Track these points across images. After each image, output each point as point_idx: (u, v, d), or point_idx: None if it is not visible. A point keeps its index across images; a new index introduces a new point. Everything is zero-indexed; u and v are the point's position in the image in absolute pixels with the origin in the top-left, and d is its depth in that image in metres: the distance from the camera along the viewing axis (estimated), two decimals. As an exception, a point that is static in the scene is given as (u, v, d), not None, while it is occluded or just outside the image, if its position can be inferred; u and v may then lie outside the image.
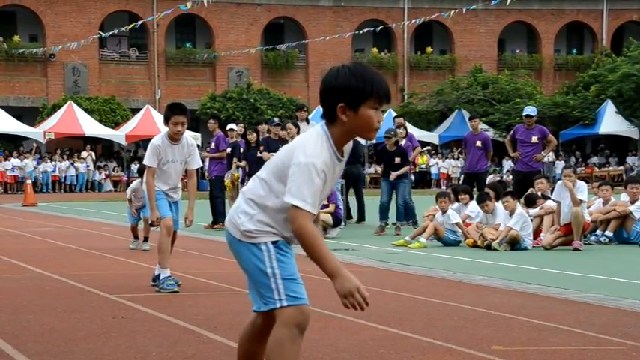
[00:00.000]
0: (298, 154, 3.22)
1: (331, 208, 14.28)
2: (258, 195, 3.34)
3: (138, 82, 46.65)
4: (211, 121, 17.46)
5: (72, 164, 40.13)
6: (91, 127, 40.27)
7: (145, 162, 7.84)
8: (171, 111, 7.67)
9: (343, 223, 15.45)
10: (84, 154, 41.09)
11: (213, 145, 16.64)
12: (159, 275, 7.71)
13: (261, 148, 15.38)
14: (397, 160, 14.67)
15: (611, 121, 42.86)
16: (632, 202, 12.94)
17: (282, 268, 3.30)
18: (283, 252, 3.34)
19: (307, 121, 17.01)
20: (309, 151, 3.22)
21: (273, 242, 3.33)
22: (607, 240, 12.77)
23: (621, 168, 43.25)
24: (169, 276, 7.60)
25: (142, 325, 6.09)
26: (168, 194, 7.78)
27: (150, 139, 7.99)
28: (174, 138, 7.61)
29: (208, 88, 45.87)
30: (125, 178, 40.55)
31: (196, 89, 46.18)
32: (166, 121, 7.68)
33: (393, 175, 14.61)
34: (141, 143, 44.22)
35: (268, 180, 3.33)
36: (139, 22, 36.07)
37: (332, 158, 3.28)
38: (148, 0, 45.72)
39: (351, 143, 3.43)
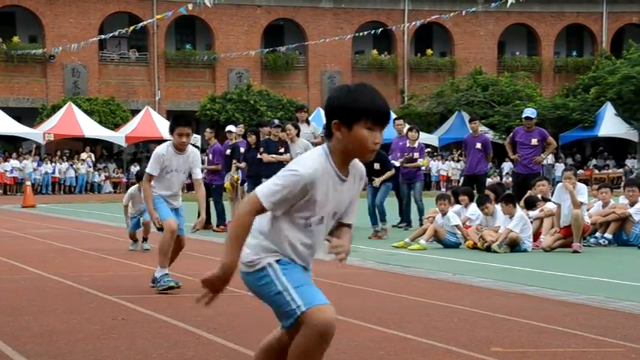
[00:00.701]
0: (296, 164, 3.30)
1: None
2: (259, 222, 3.37)
3: (138, 84, 46.65)
4: (208, 130, 17.51)
5: (71, 165, 40.15)
6: (91, 129, 40.26)
7: (147, 170, 7.92)
8: (176, 122, 7.88)
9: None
10: (83, 155, 41.08)
11: (211, 157, 16.66)
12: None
13: (261, 150, 15.41)
14: (376, 165, 14.62)
15: (610, 124, 42.91)
16: (632, 204, 12.97)
17: (291, 279, 3.32)
18: (287, 266, 3.35)
19: (307, 122, 17.03)
20: (301, 161, 3.30)
21: (277, 261, 3.35)
22: (606, 242, 12.79)
23: (620, 170, 43.28)
24: (166, 274, 7.65)
25: (142, 327, 6.10)
26: (168, 201, 7.85)
27: (149, 141, 8.10)
28: (179, 148, 7.77)
29: (208, 89, 45.89)
30: (125, 180, 40.57)
31: (196, 91, 46.20)
32: (171, 132, 7.82)
33: (377, 181, 14.58)
34: (140, 145, 44.23)
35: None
36: (140, 25, 36.16)
37: (329, 174, 3.30)
38: (148, 1, 45.79)
39: (360, 166, 3.44)
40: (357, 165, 3.43)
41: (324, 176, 3.28)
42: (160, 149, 7.82)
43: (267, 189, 3.24)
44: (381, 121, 3.30)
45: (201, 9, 34.77)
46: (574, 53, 52.55)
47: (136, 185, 12.29)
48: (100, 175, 41.54)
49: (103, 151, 44.81)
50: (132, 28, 35.75)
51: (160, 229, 7.91)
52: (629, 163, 44.25)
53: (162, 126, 39.51)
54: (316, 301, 3.27)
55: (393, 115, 28.96)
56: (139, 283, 8.26)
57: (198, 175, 7.97)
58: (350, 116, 3.25)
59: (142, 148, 45.29)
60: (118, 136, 41.02)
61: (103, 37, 39.51)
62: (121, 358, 5.08)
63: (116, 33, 37.38)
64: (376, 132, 3.28)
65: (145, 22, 37.86)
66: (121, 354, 5.17)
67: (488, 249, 11.69)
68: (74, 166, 40.19)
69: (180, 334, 5.78)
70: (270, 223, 3.36)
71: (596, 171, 44.14)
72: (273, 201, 3.23)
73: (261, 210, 3.26)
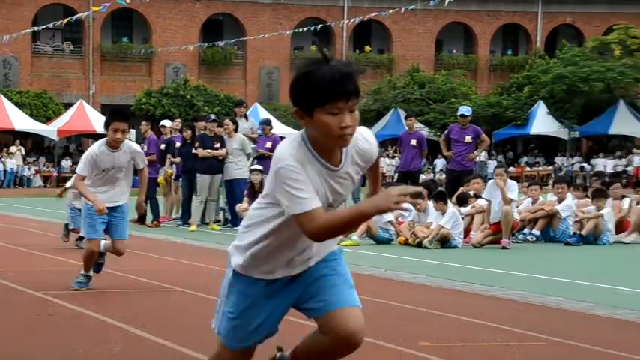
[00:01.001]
0: (272, 165, 2.93)
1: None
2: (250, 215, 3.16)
3: (72, 77, 45.96)
4: (144, 123, 17.42)
5: (0, 159, 39.36)
6: (22, 122, 39.46)
7: (77, 170, 7.54)
8: (112, 117, 7.35)
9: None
10: (13, 148, 40.24)
11: (146, 148, 16.48)
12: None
13: (196, 145, 15.33)
14: None
15: (542, 122, 43.69)
16: (559, 201, 13.25)
17: (229, 301, 3.17)
18: (236, 285, 3.16)
19: (246, 117, 16.97)
20: (277, 155, 2.91)
21: (234, 271, 3.15)
22: (534, 238, 13.06)
23: (550, 168, 44.07)
24: (84, 274, 7.50)
25: (69, 323, 6.00)
26: (104, 199, 7.39)
27: (82, 135, 7.88)
28: (113, 145, 7.27)
29: (144, 83, 45.40)
30: (55, 174, 40.02)
31: (132, 84, 45.68)
32: (106, 127, 7.31)
33: None
34: (73, 139, 43.49)
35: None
36: (75, 17, 35.48)
37: (310, 163, 2.91)
38: (82, -7, 45.19)
39: (359, 139, 3.01)
40: (356, 141, 2.99)
41: (305, 164, 2.88)
42: (92, 150, 7.39)
43: (296, 203, 2.84)
44: (343, 99, 2.83)
45: (139, 2, 34.30)
46: (509, 52, 53.34)
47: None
48: (29, 169, 40.76)
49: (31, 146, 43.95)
50: (67, 20, 34.97)
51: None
52: (559, 160, 45.13)
53: (95, 120, 38.89)
54: (232, 344, 3.20)
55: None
56: (66, 279, 8.10)
57: (141, 165, 7.54)
58: (307, 103, 2.85)
59: (75, 142, 44.63)
60: (49, 130, 40.19)
61: (36, 28, 38.63)
62: (45, 355, 4.99)
63: (50, 25, 36.55)
64: (342, 114, 2.83)
65: (80, 15, 37.01)
66: (45, 351, 5.08)
67: (420, 245, 11.83)
68: (2, 159, 39.39)
69: (108, 330, 5.70)
70: (255, 212, 3.08)
71: (527, 168, 44.90)
72: (313, 199, 2.85)
73: (321, 214, 2.85)
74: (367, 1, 48.35)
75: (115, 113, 7.44)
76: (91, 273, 7.56)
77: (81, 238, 11.45)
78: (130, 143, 7.63)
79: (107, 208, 7.29)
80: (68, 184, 12.19)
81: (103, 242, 7.61)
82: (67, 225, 11.99)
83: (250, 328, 3.16)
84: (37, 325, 5.93)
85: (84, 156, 7.43)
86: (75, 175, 7.60)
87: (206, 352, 4.87)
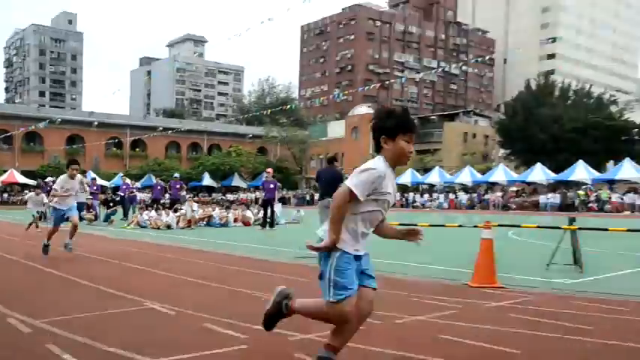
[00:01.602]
0: (363, 166, 2.37)
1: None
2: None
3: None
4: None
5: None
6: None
7: (54, 186, 6.98)
8: (70, 162, 7.00)
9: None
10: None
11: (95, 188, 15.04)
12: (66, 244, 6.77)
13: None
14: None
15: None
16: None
17: (340, 275, 2.36)
18: (343, 261, 2.38)
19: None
20: (372, 163, 2.38)
21: (343, 252, 2.37)
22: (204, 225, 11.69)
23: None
24: (47, 244, 6.67)
25: (45, 277, 4.71)
26: (64, 202, 6.79)
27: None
28: (70, 176, 6.84)
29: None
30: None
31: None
32: (67, 167, 6.92)
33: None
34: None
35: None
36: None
37: (389, 172, 2.40)
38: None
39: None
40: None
41: (387, 171, 2.38)
42: (60, 178, 6.87)
43: (356, 183, 2.30)
44: (414, 132, 2.38)
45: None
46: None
47: (33, 192, 10.85)
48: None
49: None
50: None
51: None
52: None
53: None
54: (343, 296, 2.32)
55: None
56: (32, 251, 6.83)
57: (87, 188, 7.19)
58: (393, 132, 2.36)
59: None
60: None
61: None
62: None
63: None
64: (410, 143, 2.38)
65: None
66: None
67: (158, 228, 11.60)
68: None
69: (76, 285, 4.29)
70: (352, 209, 2.35)
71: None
72: (362, 190, 2.30)
73: (353, 198, 2.27)
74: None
75: (70, 161, 7.09)
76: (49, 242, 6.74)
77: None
78: (80, 176, 7.04)
79: (64, 208, 6.77)
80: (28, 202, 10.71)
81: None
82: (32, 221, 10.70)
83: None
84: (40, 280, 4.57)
85: (58, 180, 6.87)
86: (53, 189, 6.93)
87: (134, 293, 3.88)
